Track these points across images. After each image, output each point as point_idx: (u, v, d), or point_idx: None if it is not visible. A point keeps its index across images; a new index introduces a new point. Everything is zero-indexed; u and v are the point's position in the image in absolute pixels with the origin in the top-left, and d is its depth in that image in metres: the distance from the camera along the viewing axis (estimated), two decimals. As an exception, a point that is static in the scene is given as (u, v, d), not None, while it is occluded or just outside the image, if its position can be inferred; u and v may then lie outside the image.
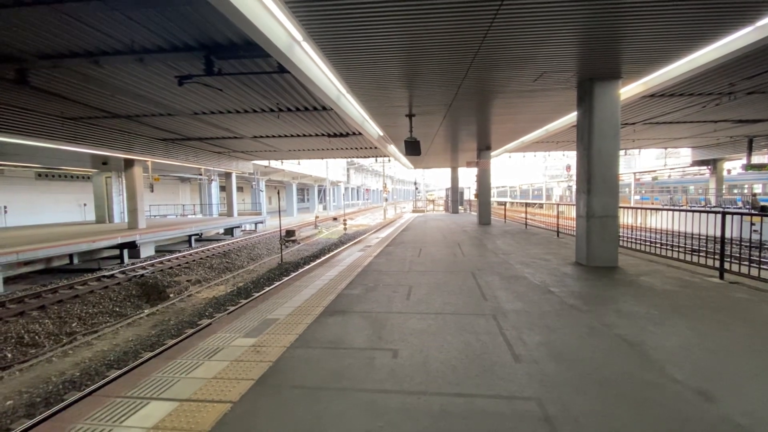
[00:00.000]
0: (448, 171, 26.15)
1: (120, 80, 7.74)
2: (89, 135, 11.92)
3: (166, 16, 5.32)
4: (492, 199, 17.54)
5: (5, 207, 19.52)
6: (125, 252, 13.74)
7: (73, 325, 8.17)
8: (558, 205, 14.76)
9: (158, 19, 5.39)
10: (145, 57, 6.34)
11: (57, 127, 10.82)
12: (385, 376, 2.66)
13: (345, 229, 26.64)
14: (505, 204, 22.03)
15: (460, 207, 25.46)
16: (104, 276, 11.26)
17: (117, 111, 10.43)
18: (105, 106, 9.92)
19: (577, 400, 2.32)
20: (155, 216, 28.02)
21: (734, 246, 8.29)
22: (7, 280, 10.41)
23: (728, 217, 5.29)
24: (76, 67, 6.94)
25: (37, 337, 7.42)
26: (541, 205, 36.93)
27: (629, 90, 6.97)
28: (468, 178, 38.85)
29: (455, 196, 25.14)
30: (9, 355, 6.71)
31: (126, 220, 18.16)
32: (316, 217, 31.39)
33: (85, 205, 24.02)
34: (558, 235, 10.80)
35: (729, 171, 25.59)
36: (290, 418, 2.19)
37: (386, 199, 39.39)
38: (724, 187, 23.41)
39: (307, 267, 12.22)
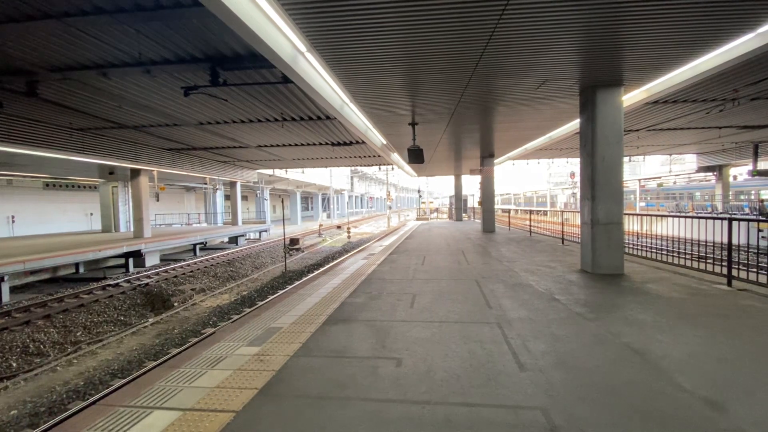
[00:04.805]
0: (451, 178, 26.18)
1: (127, 91, 7.88)
2: (97, 145, 12.10)
3: (172, 29, 5.43)
4: (496, 206, 17.48)
5: (13, 217, 19.78)
6: (131, 261, 13.82)
7: (78, 334, 8.19)
8: (562, 212, 14.70)
9: (165, 32, 5.50)
10: (151, 68, 6.46)
11: (66, 138, 11.00)
12: (388, 386, 2.63)
13: (349, 237, 26.67)
14: (509, 211, 21.98)
15: (464, 215, 25.42)
16: (109, 285, 11.32)
17: (124, 122, 10.59)
18: (112, 117, 10.08)
19: (583, 409, 2.28)
20: (161, 225, 28.22)
21: (742, 253, 8.20)
22: (14, 289, 10.50)
23: (735, 224, 5.24)
24: (84, 79, 7.08)
25: (42, 346, 7.44)
26: (545, 213, 36.79)
27: (632, 97, 6.97)
28: (472, 185, 38.91)
29: (459, 203, 25.13)
30: (14, 365, 6.73)
31: (132, 229, 18.29)
32: (320, 225, 31.48)
33: (91, 214, 24.28)
34: (563, 243, 10.73)
35: (735, 177, 25.40)
36: (293, 427, 2.17)
37: (390, 207, 39.43)
38: (730, 193, 23.22)
39: (310, 275, 12.21)
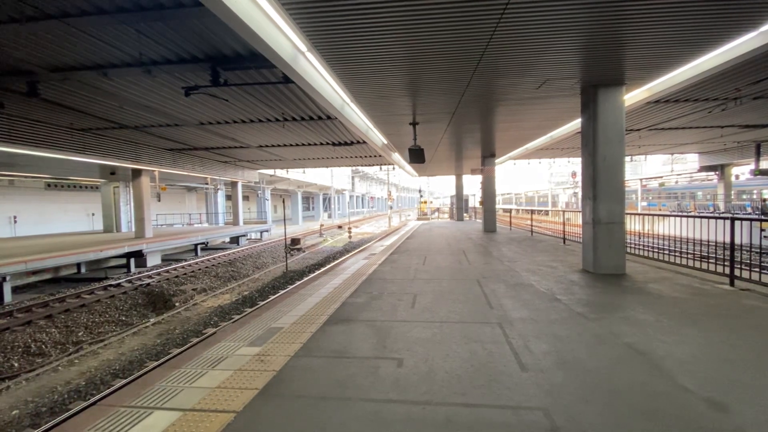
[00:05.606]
0: (452, 178, 26.16)
1: (128, 91, 7.88)
2: (98, 146, 12.12)
3: (173, 29, 5.43)
4: (497, 206, 17.46)
5: (15, 217, 19.82)
6: (132, 261, 13.84)
7: (80, 334, 8.20)
8: (564, 212, 14.68)
9: (165, 32, 5.50)
10: (152, 69, 6.46)
11: (67, 139, 11.02)
12: (389, 386, 2.62)
13: (350, 237, 26.67)
14: (510, 211, 21.94)
15: (465, 214, 25.39)
16: (111, 285, 11.34)
17: (125, 122, 10.61)
18: (113, 117, 10.09)
19: (585, 410, 2.27)
20: (162, 225, 28.25)
21: (744, 252, 8.18)
22: (16, 289, 10.52)
23: (738, 223, 5.22)
24: (85, 80, 7.09)
25: (43, 346, 7.46)
26: (546, 212, 36.72)
27: (634, 96, 6.95)
28: (473, 185, 38.83)
29: (460, 203, 25.11)
30: (16, 365, 6.75)
31: (133, 230, 18.32)
32: (321, 225, 31.49)
33: (93, 214, 24.33)
34: (564, 242, 10.70)
35: (737, 176, 25.32)
36: (293, 428, 2.16)
37: (391, 207, 39.42)
38: (732, 192, 23.14)
39: (311, 275, 12.21)
